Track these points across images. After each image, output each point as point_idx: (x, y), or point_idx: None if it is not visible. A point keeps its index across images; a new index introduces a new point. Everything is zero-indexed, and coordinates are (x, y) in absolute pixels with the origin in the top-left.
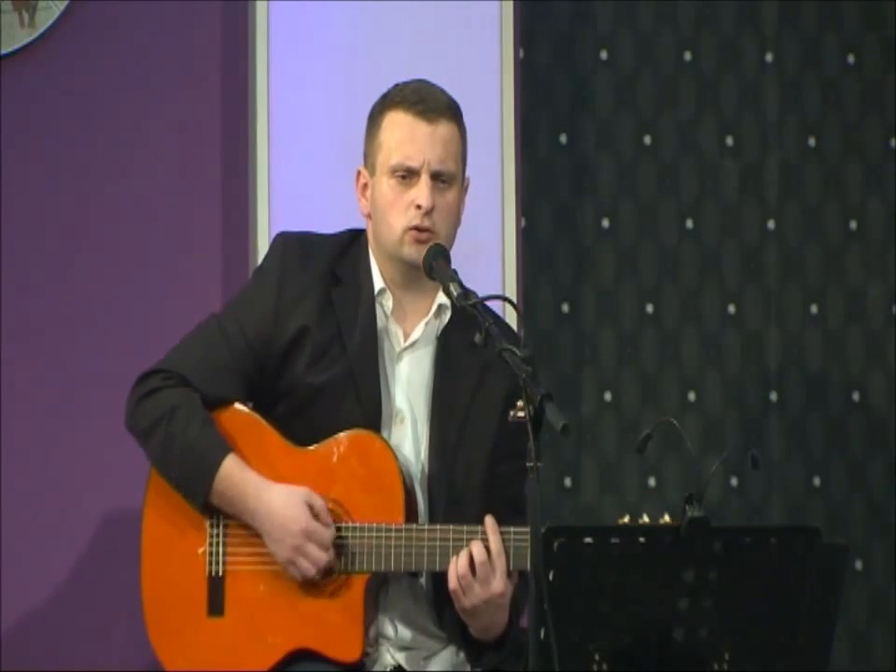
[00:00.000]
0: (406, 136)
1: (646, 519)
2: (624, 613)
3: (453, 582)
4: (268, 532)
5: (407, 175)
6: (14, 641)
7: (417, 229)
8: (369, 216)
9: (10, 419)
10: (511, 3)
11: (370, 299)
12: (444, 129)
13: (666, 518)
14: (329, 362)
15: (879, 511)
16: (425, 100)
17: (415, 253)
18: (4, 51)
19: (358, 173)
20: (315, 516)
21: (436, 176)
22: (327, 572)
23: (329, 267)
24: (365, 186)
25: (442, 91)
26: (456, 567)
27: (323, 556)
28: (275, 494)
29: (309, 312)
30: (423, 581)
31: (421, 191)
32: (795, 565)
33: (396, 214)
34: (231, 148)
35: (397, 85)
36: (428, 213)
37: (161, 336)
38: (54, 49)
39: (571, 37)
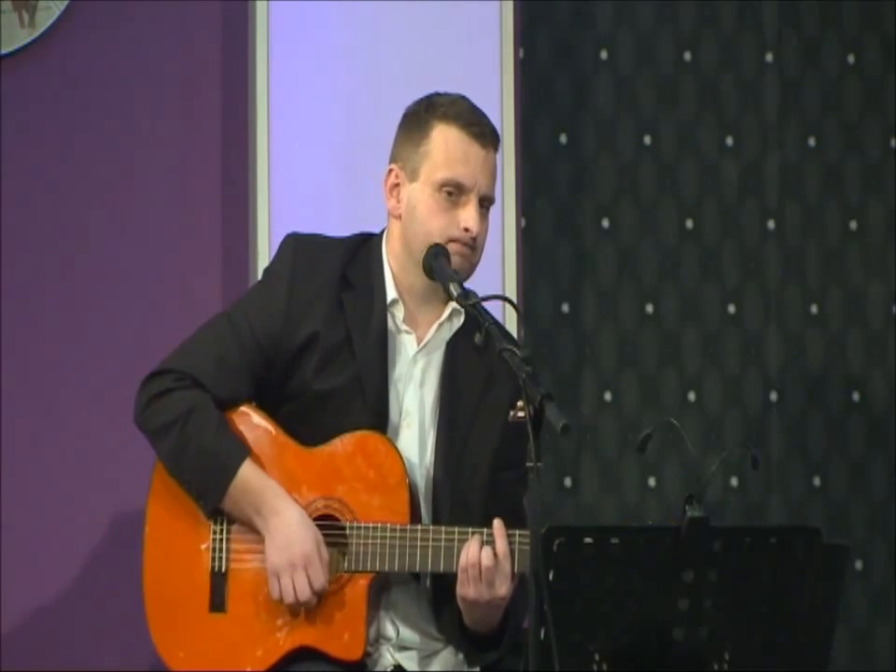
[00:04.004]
0: (460, 155)
1: None
2: (624, 613)
3: (463, 564)
4: (273, 537)
5: (455, 193)
6: (14, 641)
7: (460, 243)
8: (398, 217)
9: (10, 418)
10: (511, 3)
11: (381, 306)
12: (493, 156)
13: None
14: (337, 368)
15: (879, 511)
16: (481, 123)
17: (455, 262)
18: (4, 51)
19: (390, 171)
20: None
21: (481, 202)
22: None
23: (341, 271)
24: (396, 186)
25: (487, 116)
26: (468, 555)
27: (307, 591)
28: (294, 511)
29: (320, 317)
30: (426, 582)
31: (470, 215)
32: (795, 565)
33: (439, 225)
34: (231, 148)
35: (440, 95)
36: (473, 237)
37: (161, 336)
38: (54, 48)
39: (571, 37)
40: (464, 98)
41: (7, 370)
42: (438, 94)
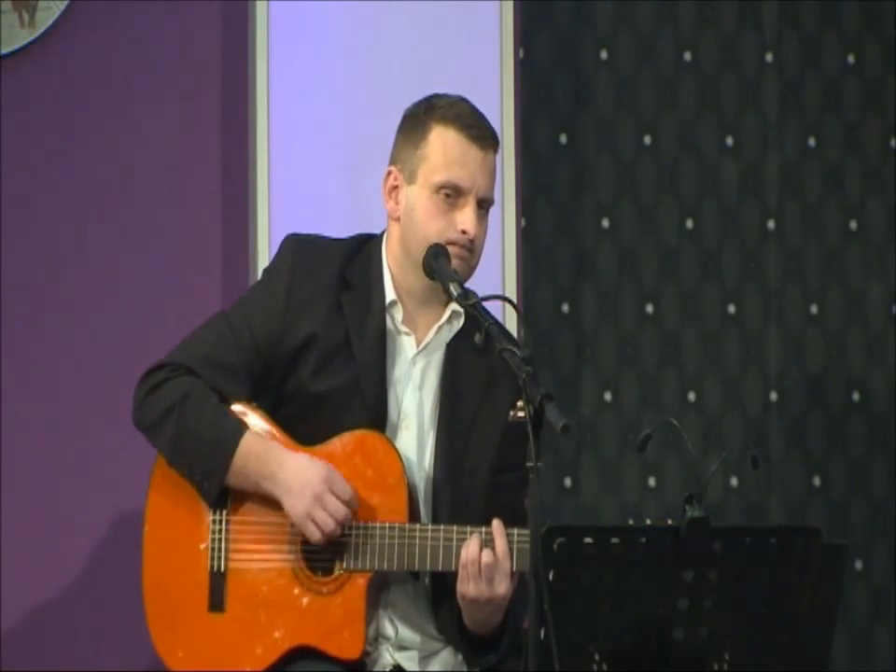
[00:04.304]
0: (458, 157)
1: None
2: (624, 613)
3: (463, 560)
4: (288, 489)
5: (452, 195)
6: (14, 641)
7: (458, 246)
8: (397, 219)
9: (10, 418)
10: (511, 3)
11: (380, 307)
12: (491, 158)
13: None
14: (335, 369)
15: (879, 511)
16: (479, 126)
17: (453, 264)
18: (4, 51)
19: (389, 173)
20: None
21: (480, 204)
22: (329, 569)
23: (340, 272)
24: (395, 188)
25: (486, 118)
26: (468, 552)
27: (342, 509)
28: (298, 456)
29: (318, 318)
30: (426, 581)
31: (468, 217)
32: (795, 565)
33: (436, 227)
34: (231, 149)
35: (440, 96)
36: (471, 239)
37: (161, 336)
38: (54, 49)
39: (571, 37)
40: (464, 100)
41: (7, 370)
42: (437, 96)
